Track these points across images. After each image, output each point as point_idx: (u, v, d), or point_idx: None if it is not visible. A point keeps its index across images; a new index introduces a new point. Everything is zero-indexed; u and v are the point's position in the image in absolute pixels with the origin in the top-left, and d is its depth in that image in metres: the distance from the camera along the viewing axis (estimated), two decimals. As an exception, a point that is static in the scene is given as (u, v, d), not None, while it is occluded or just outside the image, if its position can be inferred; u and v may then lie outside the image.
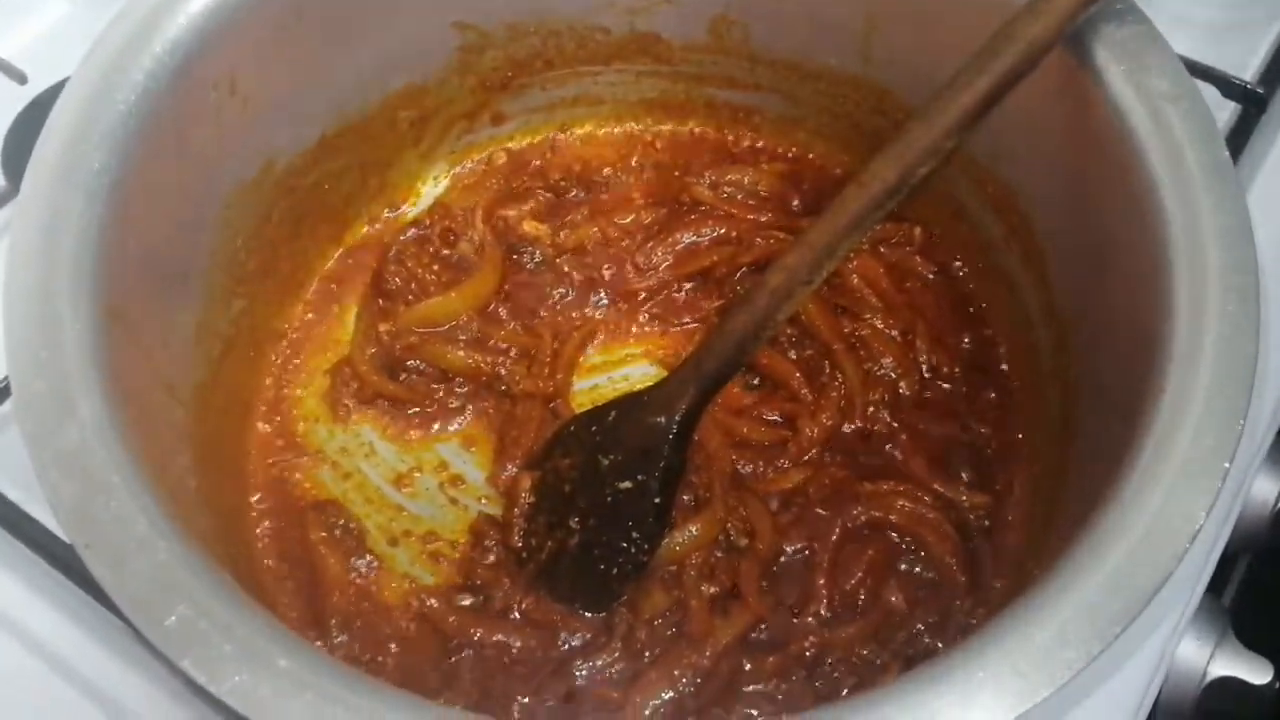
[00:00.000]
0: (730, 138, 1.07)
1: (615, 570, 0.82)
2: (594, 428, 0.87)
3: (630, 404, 0.86)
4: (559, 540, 0.84)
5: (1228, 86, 1.03)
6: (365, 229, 1.01)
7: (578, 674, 0.79)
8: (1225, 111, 1.05)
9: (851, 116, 1.00)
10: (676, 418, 0.83)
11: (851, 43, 0.95)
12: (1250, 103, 1.03)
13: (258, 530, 0.86)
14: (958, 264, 0.98)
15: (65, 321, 0.66)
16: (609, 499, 0.83)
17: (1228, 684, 0.85)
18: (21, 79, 1.07)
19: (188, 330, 0.82)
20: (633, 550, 0.82)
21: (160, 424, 0.74)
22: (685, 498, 0.86)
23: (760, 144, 1.06)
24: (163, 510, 0.62)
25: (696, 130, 1.07)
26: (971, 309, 0.96)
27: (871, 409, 0.90)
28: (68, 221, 0.69)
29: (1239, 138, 1.01)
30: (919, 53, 0.91)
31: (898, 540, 0.85)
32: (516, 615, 0.83)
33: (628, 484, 0.83)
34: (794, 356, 0.93)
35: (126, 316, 0.71)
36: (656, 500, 0.82)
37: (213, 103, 0.80)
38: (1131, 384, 0.69)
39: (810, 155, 1.05)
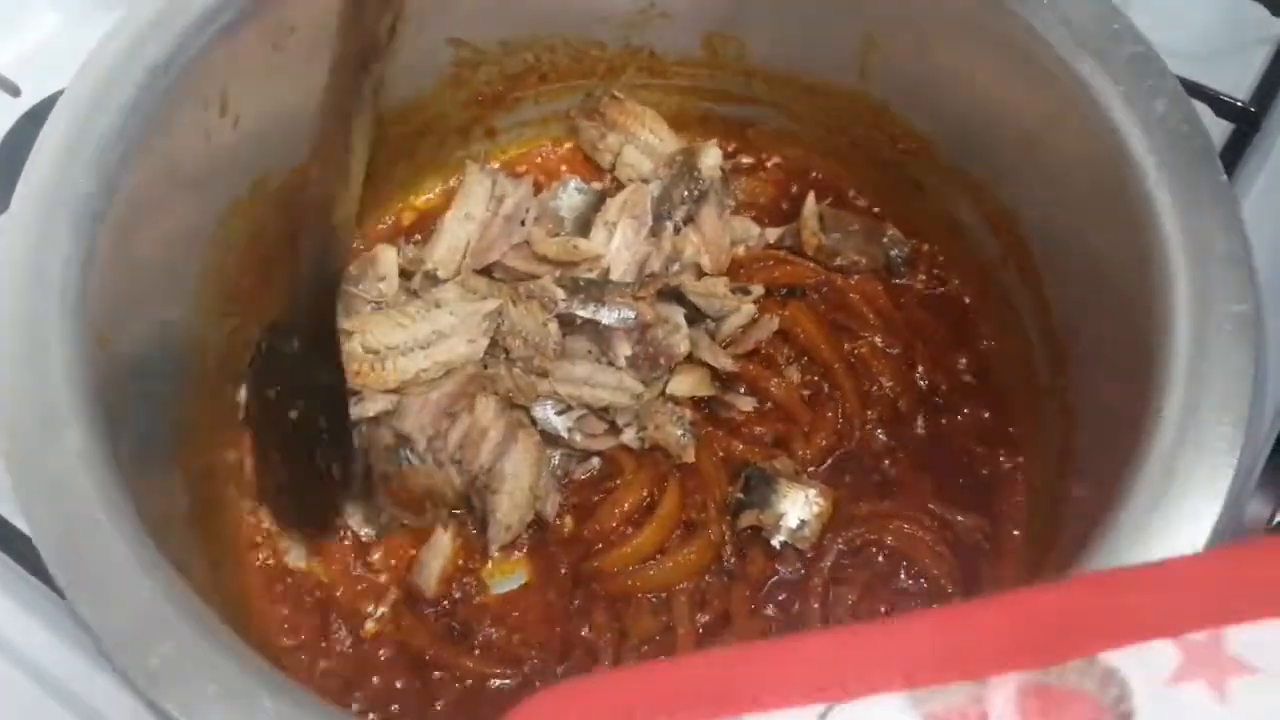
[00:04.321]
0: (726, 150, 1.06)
1: (327, 494, 0.85)
2: (254, 362, 0.87)
3: (268, 333, 0.87)
4: (273, 469, 0.86)
5: (1221, 106, 1.03)
6: (357, 244, 1.00)
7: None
8: (1219, 130, 1.04)
9: (848, 131, 1.00)
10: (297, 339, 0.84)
11: (848, 58, 0.94)
12: (1244, 122, 1.03)
13: (253, 558, 0.86)
14: (955, 283, 0.97)
15: (52, 347, 0.66)
16: (291, 429, 0.85)
17: (1226, 706, 0.85)
18: (14, 91, 1.07)
19: (179, 353, 0.81)
20: (331, 472, 0.84)
21: (150, 452, 0.74)
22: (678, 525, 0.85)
23: (756, 156, 1.06)
24: (149, 543, 0.61)
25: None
26: (969, 328, 0.95)
27: (869, 428, 0.90)
28: (55, 245, 0.69)
29: (1233, 156, 1.01)
30: (916, 68, 0.91)
31: (894, 562, 0.84)
32: (478, 643, 0.82)
33: (294, 414, 0.84)
34: (792, 375, 0.92)
35: (115, 341, 0.71)
36: (322, 422, 0.83)
37: (204, 121, 0.79)
38: (1129, 405, 0.68)
39: (806, 167, 1.05)
